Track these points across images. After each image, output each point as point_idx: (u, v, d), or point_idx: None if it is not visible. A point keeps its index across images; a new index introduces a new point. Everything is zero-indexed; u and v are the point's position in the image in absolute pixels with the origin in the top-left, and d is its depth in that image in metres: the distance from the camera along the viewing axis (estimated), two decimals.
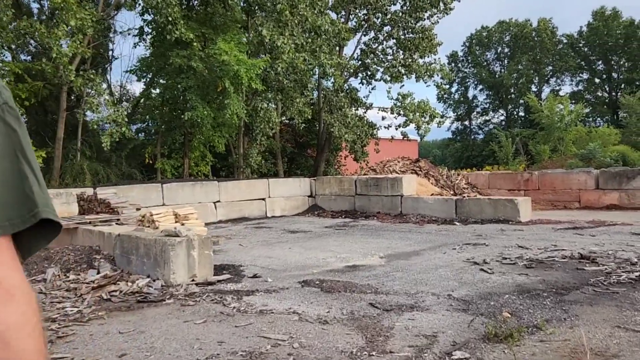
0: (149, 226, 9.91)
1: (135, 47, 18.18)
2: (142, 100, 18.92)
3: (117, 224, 9.09)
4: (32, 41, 16.55)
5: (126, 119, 14.26)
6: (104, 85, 14.42)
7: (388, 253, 8.55)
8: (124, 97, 21.67)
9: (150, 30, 17.31)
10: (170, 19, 14.42)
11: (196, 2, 18.04)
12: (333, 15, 20.96)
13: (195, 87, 15.46)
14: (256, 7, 17.42)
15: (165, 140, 18.44)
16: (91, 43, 16.34)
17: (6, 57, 16.26)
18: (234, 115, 15.47)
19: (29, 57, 18.19)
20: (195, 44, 15.07)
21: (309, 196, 17.11)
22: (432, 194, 14.86)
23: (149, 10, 15.84)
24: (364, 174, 17.58)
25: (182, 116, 15.23)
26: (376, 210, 15.08)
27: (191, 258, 6.57)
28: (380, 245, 9.49)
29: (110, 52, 20.37)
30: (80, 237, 8.69)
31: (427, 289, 5.87)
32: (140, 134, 20.18)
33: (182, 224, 10.44)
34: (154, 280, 6.52)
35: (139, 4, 16.15)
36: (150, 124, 19.56)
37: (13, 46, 17.05)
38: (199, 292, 6.05)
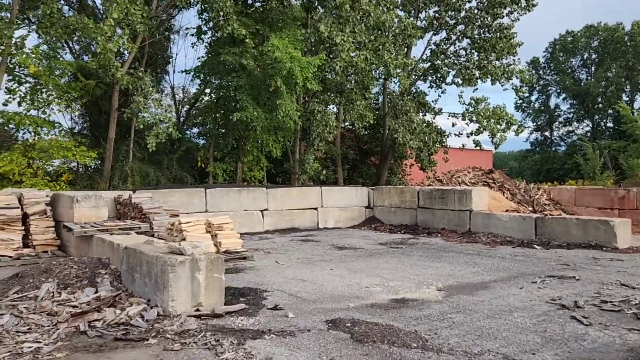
0: (176, 236, 8.86)
1: (193, 47, 17.46)
2: (196, 102, 18.23)
3: (137, 232, 8.08)
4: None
5: (174, 120, 13.45)
6: (152, 85, 13.67)
7: (448, 283, 6.93)
8: (185, 99, 21.14)
9: (206, 30, 16.57)
10: (222, 13, 13.50)
11: None
12: (401, 14, 19.40)
13: (247, 87, 14.46)
14: (316, 3, 16.24)
15: (219, 144, 17.62)
16: (146, 41, 15.80)
17: (63, 56, 16.06)
18: (286, 117, 14.30)
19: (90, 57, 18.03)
20: (248, 40, 14.07)
21: (366, 207, 15.61)
22: (506, 210, 12.93)
23: (204, 6, 15.05)
24: (429, 185, 15.84)
25: (231, 117, 14.24)
26: (440, 226, 13.34)
27: (196, 282, 5.32)
28: (441, 271, 7.86)
29: (169, 53, 19.92)
30: (95, 246, 7.74)
31: (497, 347, 4.26)
32: (194, 137, 19.54)
33: (215, 235, 9.33)
34: (151, 308, 5.33)
35: (192, 1, 15.44)
36: (202, 127, 18.82)
37: (72, 44, 16.90)
38: (196, 328, 4.77)
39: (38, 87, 13.96)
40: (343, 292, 6.46)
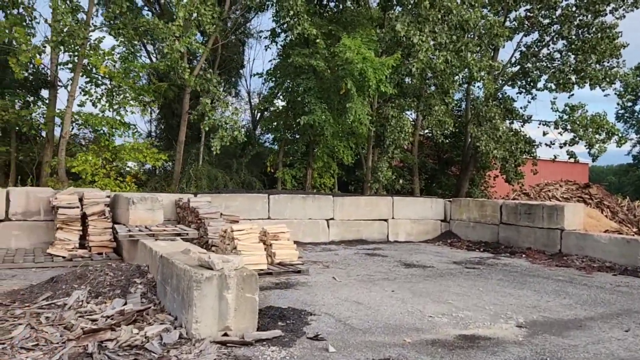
0: (228, 244, 8.28)
1: (266, 49, 17.07)
2: (269, 106, 17.87)
3: (184, 239, 7.56)
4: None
5: (240, 123, 13.05)
6: (221, 87, 13.37)
7: (532, 318, 5.74)
8: (260, 102, 20.89)
9: (279, 31, 16.16)
10: (292, 12, 12.95)
11: None
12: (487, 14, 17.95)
13: (316, 90, 13.78)
14: (394, 1, 15.29)
15: (289, 149, 17.11)
16: (218, 43, 15.63)
17: (141, 59, 16.26)
18: (357, 121, 13.45)
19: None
20: (319, 41, 13.42)
21: (442, 220, 14.37)
22: (606, 230, 11.25)
23: (277, 7, 14.60)
24: (513, 199, 14.32)
25: (298, 120, 13.62)
26: (526, 246, 11.87)
27: (224, 302, 4.59)
28: (523, 301, 6.64)
29: (244, 57, 19.79)
30: (139, 252, 7.31)
31: None
32: (269, 142, 19.20)
33: (270, 245, 8.66)
34: (175, 328, 4.68)
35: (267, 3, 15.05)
36: (274, 131, 18.41)
37: (148, 47, 17.13)
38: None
39: (113, 89, 14.12)
40: (401, 321, 5.49)
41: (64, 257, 8.59)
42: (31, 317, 5.09)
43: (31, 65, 14.59)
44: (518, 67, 19.22)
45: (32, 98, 15.07)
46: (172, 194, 11.35)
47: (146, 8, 17.27)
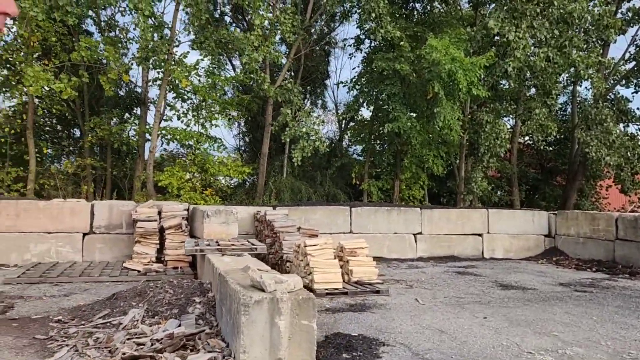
0: (301, 260, 7.72)
1: (350, 57, 16.46)
2: (351, 114, 17.28)
3: (252, 254, 7.08)
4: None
5: (321, 133, 12.56)
6: (302, 96, 12.98)
7: None
8: (345, 113, 20.42)
9: (363, 37, 15.57)
10: (373, 15, 12.31)
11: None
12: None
13: (400, 95, 12.96)
14: None
15: (375, 160, 16.37)
16: (301, 52, 15.34)
17: (227, 73, 16.41)
18: (446, 127, 12.44)
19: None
20: (403, 43, 12.63)
21: (545, 236, 12.85)
22: None
23: (359, 12, 14.04)
24: (632, 211, 12.48)
25: (381, 128, 12.87)
26: None
27: (275, 330, 3.97)
28: None
29: (329, 67, 19.40)
30: (205, 267, 6.93)
31: None
32: (357, 153, 18.59)
33: (347, 261, 7.98)
34: (223, 358, 4.13)
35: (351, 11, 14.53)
36: (358, 141, 17.76)
37: (237, 63, 17.27)
38: None
39: (200, 103, 14.27)
40: (493, 357, 4.55)
41: (138, 271, 8.50)
42: (82, 337, 4.81)
43: (124, 84, 15.19)
44: (633, 63, 17.07)
45: (126, 115, 15.67)
46: (251, 207, 11.06)
47: (234, 24, 17.51)
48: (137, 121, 14.97)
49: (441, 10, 14.67)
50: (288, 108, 12.74)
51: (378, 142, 16.50)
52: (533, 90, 15.86)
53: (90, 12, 12.91)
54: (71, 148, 16.03)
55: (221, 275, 5.19)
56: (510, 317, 6.14)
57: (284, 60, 13.86)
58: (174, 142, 14.55)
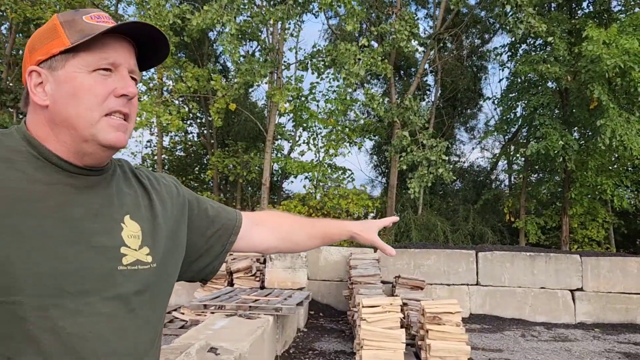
0: (359, 325, 5.67)
1: (502, 67, 13.46)
2: (494, 135, 14.33)
3: (279, 313, 5.28)
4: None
5: (444, 158, 10.21)
6: (417, 113, 10.81)
7: None
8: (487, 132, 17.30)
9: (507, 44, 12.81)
10: (509, 7, 9.73)
11: None
12: None
13: (551, 106, 9.97)
14: None
15: (533, 190, 13.18)
16: (437, 63, 13.19)
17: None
18: (619, 144, 9.07)
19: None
20: (551, 39, 9.75)
21: None
22: None
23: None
24: None
25: (522, 150, 9.99)
26: None
27: None
28: None
29: (478, 83, 16.64)
30: None
31: None
32: (501, 183, 15.46)
33: (426, 332, 5.69)
34: None
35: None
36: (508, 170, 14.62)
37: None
38: None
39: (316, 130, 13.10)
40: None
41: (184, 323, 7.29)
42: None
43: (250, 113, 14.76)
44: None
45: (250, 147, 15.22)
46: (345, 248, 9.23)
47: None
48: (259, 153, 14.35)
49: None
50: (406, 130, 10.69)
51: (536, 167, 13.28)
52: None
53: None
54: (195, 184, 16.09)
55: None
56: None
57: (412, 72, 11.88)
58: (292, 173, 13.52)
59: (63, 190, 0.96)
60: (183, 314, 7.69)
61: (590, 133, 10.34)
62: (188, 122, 14.52)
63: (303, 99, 12.84)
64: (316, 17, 14.66)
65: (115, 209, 1.03)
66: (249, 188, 15.67)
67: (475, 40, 16.55)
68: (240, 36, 10.96)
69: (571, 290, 8.91)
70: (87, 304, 0.93)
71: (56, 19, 1.01)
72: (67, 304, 0.91)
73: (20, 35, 13.37)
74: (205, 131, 15.10)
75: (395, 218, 1.62)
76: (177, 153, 16.48)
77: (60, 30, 0.99)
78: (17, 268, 0.88)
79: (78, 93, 0.97)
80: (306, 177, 13.96)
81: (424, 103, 14.18)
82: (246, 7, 10.38)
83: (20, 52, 14.52)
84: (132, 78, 1.03)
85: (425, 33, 13.68)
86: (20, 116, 15.46)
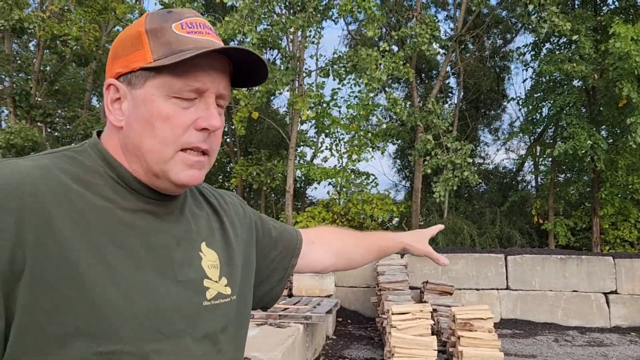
0: (389, 332, 5.63)
1: (525, 67, 13.28)
2: (520, 136, 14.10)
3: (309, 322, 5.26)
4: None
5: (469, 160, 10.10)
6: (441, 115, 10.72)
7: None
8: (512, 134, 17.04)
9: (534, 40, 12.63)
10: (532, 6, 9.60)
11: None
12: None
13: (578, 105, 9.78)
14: None
15: (562, 190, 12.94)
16: (458, 65, 13.07)
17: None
18: None
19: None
20: (576, 37, 9.59)
21: None
22: None
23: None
24: None
25: (548, 151, 9.81)
26: None
27: None
28: None
29: (502, 84, 16.44)
30: None
31: None
32: (527, 184, 15.19)
33: (458, 338, 5.63)
34: None
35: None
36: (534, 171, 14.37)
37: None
38: None
39: (339, 135, 13.10)
40: None
41: None
42: None
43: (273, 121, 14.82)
44: None
45: (273, 154, 15.27)
46: None
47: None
48: (282, 161, 14.40)
49: None
50: (429, 133, 10.61)
51: (564, 167, 13.04)
52: None
53: None
54: None
55: None
56: None
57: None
58: (316, 180, 13.51)
59: (144, 217, 0.85)
60: None
61: (619, 131, 10.13)
62: None
63: (325, 105, 12.87)
64: (336, 24, 14.68)
65: (194, 235, 0.91)
66: (273, 195, 15.73)
67: (497, 41, 16.38)
68: (261, 45, 11.05)
69: (605, 293, 8.70)
70: (181, 347, 0.82)
71: (142, 25, 0.85)
72: (165, 348, 0.79)
73: (47, 51, 13.67)
74: (228, 140, 15.23)
75: (441, 226, 1.53)
76: None
77: (145, 41, 0.83)
78: (114, 309, 0.75)
79: (154, 121, 0.82)
80: (329, 183, 13.95)
81: (446, 106, 14.05)
82: (266, 16, 10.47)
83: (48, 67, 14.87)
84: (219, 105, 0.88)
85: (446, 35, 13.61)
86: (49, 130, 15.81)
